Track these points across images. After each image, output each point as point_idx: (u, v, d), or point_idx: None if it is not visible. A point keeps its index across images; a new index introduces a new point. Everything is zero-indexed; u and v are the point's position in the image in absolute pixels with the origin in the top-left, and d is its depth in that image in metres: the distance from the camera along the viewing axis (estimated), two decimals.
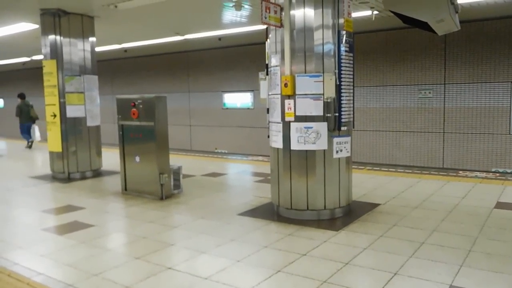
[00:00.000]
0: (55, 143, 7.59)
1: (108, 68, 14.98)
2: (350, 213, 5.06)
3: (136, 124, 6.12)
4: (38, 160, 10.59)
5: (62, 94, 7.49)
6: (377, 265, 3.59)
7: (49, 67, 7.52)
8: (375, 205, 5.42)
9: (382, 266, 3.55)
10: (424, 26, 4.92)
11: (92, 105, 7.83)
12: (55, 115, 7.51)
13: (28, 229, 4.82)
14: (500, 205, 5.32)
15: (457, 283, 3.21)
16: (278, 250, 4.00)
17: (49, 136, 7.70)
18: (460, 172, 7.80)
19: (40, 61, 7.98)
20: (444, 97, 9.30)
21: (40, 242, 4.36)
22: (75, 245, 4.23)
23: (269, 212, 5.19)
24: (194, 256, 3.88)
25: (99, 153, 8.02)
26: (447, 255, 3.77)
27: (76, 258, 3.88)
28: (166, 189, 6.02)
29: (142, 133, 6.07)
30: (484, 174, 7.45)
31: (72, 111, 7.57)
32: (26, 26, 8.58)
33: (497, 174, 7.51)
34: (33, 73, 15.53)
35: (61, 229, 4.78)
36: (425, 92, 9.48)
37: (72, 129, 7.61)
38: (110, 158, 8.56)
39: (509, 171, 8.34)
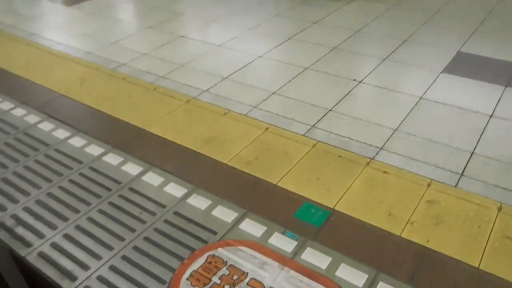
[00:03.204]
0: None
1: None
2: None
3: None
4: None
5: None
6: (388, 32, 3.60)
7: None
8: None
9: (393, 34, 3.56)
10: None
11: None
12: None
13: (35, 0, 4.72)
14: None
15: (465, 50, 3.27)
16: (289, 18, 3.97)
17: None
18: None
19: None
20: None
21: (48, 14, 4.33)
22: (84, 16, 4.21)
23: None
24: (206, 25, 3.89)
25: None
26: (459, 24, 3.72)
27: (89, 29, 3.92)
28: None
29: None
30: None
31: None
32: None
33: None
34: None
35: (67, 0, 4.68)
36: None
37: None
38: None
39: None
